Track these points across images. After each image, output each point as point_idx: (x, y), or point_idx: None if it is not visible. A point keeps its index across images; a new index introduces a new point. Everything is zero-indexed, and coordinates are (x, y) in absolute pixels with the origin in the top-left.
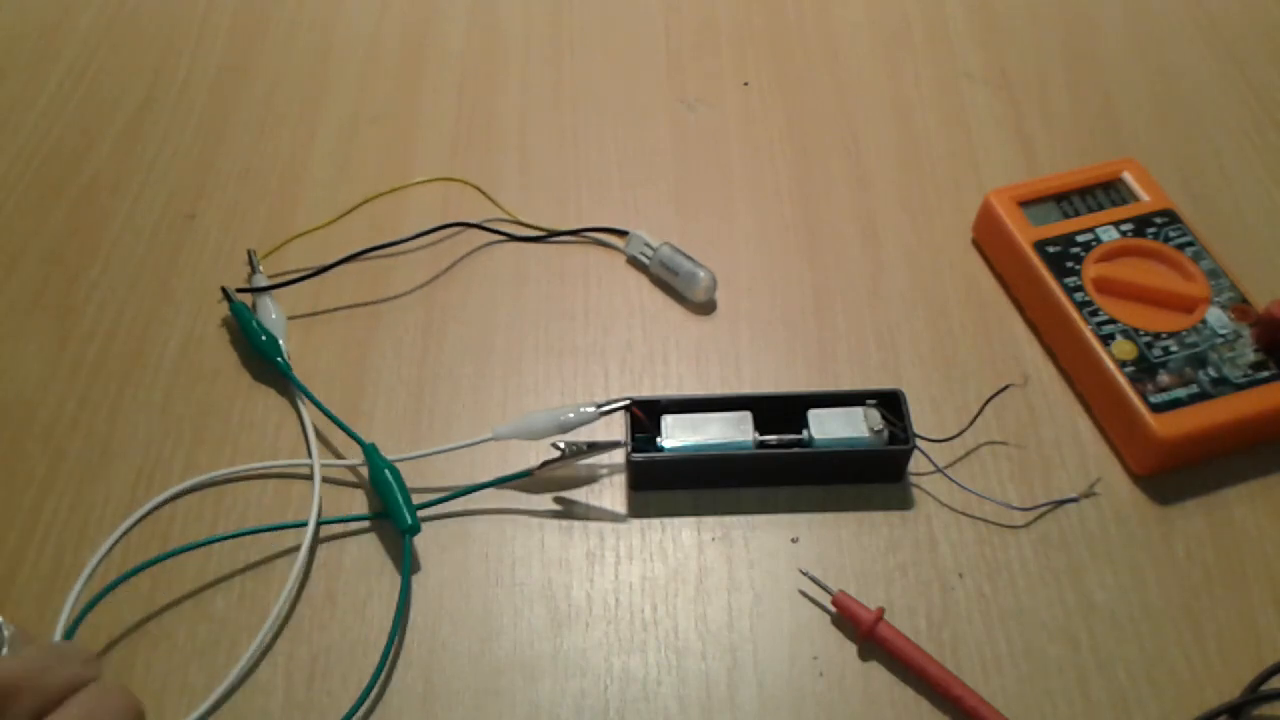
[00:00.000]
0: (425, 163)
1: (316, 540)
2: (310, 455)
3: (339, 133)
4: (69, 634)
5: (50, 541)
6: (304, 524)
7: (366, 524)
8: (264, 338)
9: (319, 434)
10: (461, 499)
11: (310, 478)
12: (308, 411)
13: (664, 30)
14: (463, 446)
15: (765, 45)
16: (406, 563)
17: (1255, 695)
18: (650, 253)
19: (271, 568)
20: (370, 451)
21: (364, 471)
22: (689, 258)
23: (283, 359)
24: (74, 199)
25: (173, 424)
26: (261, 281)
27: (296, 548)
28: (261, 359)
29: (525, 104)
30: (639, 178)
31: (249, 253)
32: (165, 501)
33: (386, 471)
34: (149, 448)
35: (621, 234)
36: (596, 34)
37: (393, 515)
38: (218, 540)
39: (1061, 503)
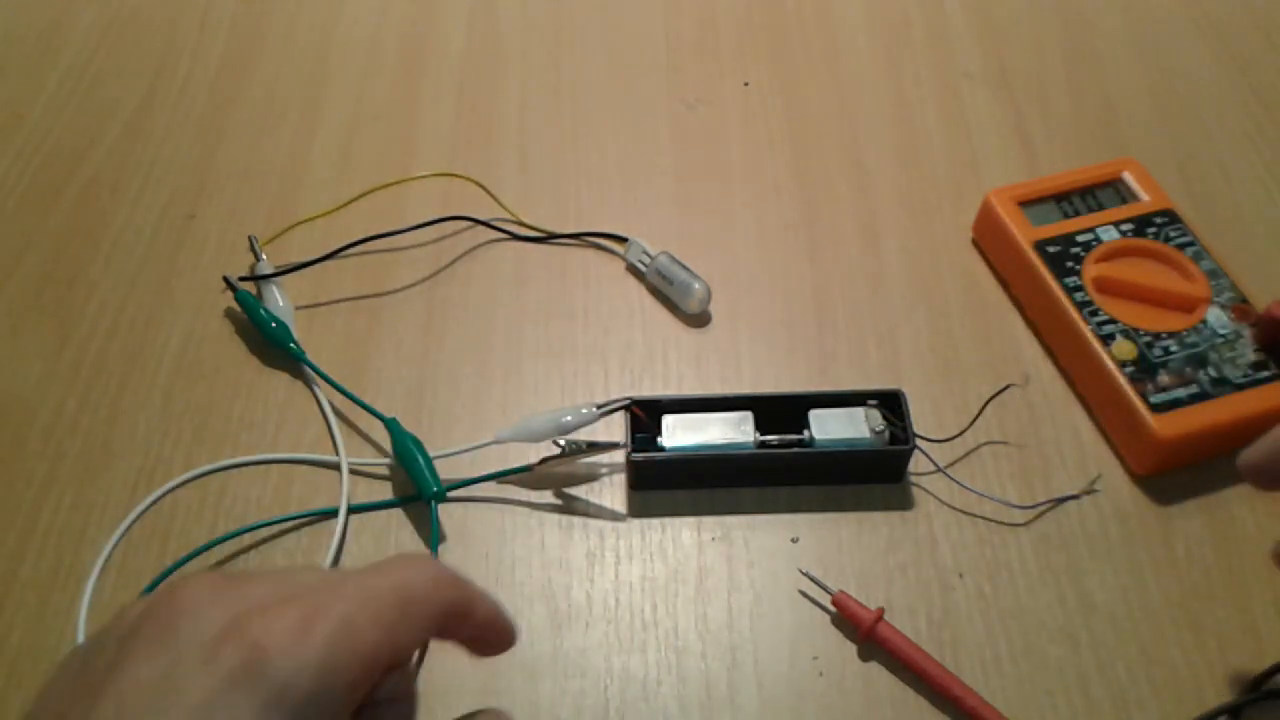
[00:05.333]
0: (425, 163)
1: (347, 528)
2: (333, 441)
3: (339, 133)
4: None
5: (51, 541)
6: (334, 511)
7: (389, 512)
8: (274, 325)
9: (330, 422)
10: (462, 495)
11: (315, 465)
12: (325, 396)
13: (664, 30)
14: (466, 450)
15: (765, 45)
16: (435, 529)
17: (1255, 695)
18: (648, 260)
19: (283, 557)
20: (393, 425)
21: (377, 464)
22: (685, 268)
23: (295, 344)
24: (74, 199)
25: (173, 422)
26: (266, 269)
27: (302, 537)
28: (269, 347)
29: (525, 104)
30: (639, 178)
31: (250, 239)
32: (168, 491)
33: (410, 443)
34: (149, 447)
35: (621, 240)
36: (596, 34)
37: (418, 484)
38: (253, 529)
39: (1062, 500)
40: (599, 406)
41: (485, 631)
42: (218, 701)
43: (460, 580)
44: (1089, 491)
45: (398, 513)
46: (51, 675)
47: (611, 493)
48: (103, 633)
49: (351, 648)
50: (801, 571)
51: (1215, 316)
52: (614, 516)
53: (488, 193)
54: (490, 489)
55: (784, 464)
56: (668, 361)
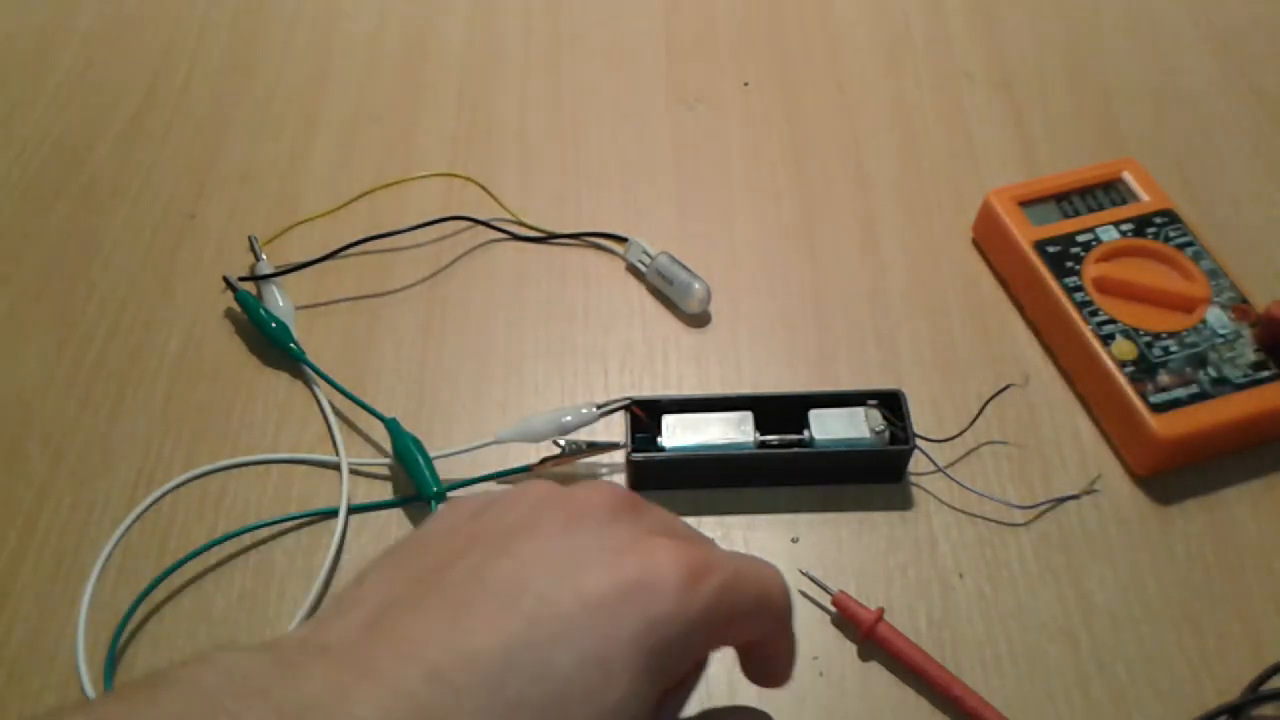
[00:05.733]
0: (425, 163)
1: (347, 528)
2: (333, 441)
3: (339, 133)
4: (115, 637)
5: (51, 541)
6: (334, 511)
7: (389, 512)
8: (274, 325)
9: (330, 422)
10: (463, 495)
11: (315, 465)
12: (325, 396)
13: (664, 30)
14: (466, 450)
15: (765, 45)
16: None
17: (1255, 695)
18: (648, 260)
19: (283, 558)
20: (393, 425)
21: (377, 464)
22: (685, 268)
23: (295, 344)
24: (74, 199)
25: (173, 422)
26: (266, 269)
27: (302, 537)
28: (270, 347)
29: (525, 104)
30: (639, 178)
31: (250, 239)
32: (168, 491)
33: (410, 443)
34: (149, 447)
35: (621, 240)
36: (596, 34)
37: (419, 484)
38: (253, 529)
39: (1062, 500)
40: (599, 406)
41: (782, 656)
42: (608, 605)
43: (791, 603)
44: (1089, 491)
45: (398, 513)
46: (434, 518)
47: None
48: (501, 496)
49: (721, 614)
50: (801, 572)
51: (1215, 316)
52: None
53: (488, 193)
54: (491, 489)
55: (784, 464)
56: (668, 361)
